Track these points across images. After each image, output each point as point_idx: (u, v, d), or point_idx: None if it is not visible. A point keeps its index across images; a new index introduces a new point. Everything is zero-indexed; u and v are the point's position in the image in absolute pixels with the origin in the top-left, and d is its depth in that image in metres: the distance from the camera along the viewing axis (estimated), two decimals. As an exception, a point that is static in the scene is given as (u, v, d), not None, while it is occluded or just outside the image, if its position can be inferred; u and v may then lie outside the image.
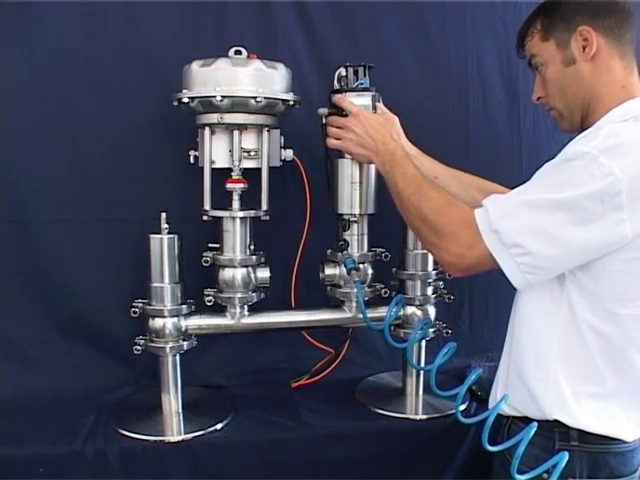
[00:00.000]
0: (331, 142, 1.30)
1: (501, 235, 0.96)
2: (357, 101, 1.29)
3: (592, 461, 1.02)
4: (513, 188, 1.02)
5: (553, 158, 0.99)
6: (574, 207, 0.91)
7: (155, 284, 1.36)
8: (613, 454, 1.02)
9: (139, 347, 1.37)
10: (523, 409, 1.07)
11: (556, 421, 1.02)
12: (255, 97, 1.27)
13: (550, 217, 0.93)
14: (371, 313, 1.37)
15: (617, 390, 1.01)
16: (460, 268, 1.05)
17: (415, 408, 1.51)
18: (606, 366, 1.00)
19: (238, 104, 1.28)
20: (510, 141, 1.75)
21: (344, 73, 1.35)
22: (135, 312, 1.37)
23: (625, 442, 1.03)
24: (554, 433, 1.03)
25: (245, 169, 1.39)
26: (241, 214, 1.38)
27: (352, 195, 1.41)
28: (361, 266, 1.43)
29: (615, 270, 0.96)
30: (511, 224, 0.96)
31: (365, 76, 1.33)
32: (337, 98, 1.29)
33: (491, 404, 1.15)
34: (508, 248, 0.96)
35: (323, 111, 1.33)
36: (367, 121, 1.23)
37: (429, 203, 1.08)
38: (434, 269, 1.49)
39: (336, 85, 1.36)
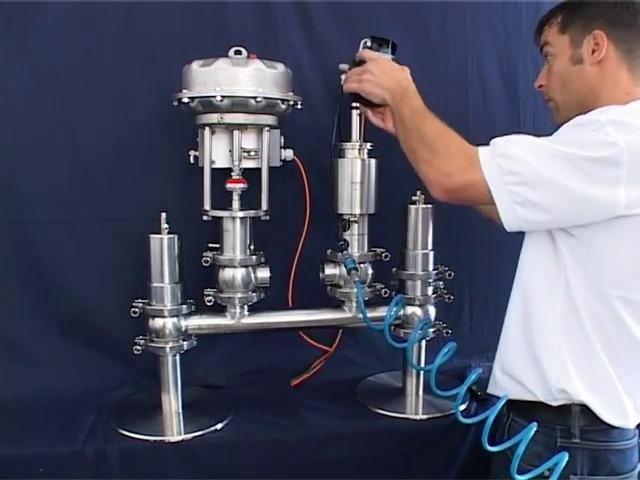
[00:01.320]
0: (349, 85, 1.29)
1: (503, 160, 0.98)
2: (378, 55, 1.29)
3: (593, 458, 1.03)
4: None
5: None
6: (575, 165, 0.94)
7: (155, 284, 1.36)
8: (613, 451, 1.04)
9: (139, 347, 1.37)
10: (527, 381, 1.07)
11: (560, 409, 1.04)
12: (255, 97, 1.27)
13: (552, 162, 0.96)
14: (371, 313, 1.37)
15: (611, 370, 1.02)
16: (445, 188, 1.05)
17: (415, 408, 1.51)
18: (600, 345, 1.02)
19: (238, 104, 1.28)
20: (510, 141, 1.75)
21: (369, 44, 1.33)
22: (135, 312, 1.37)
23: (624, 435, 1.04)
24: (556, 430, 1.05)
25: (245, 169, 1.39)
26: (241, 214, 1.38)
27: (352, 195, 1.42)
28: (361, 266, 1.43)
29: (615, 250, 0.98)
30: (516, 153, 0.98)
31: (388, 48, 1.33)
32: (359, 52, 1.30)
33: (491, 384, 1.16)
34: (504, 174, 0.98)
35: (344, 66, 1.33)
36: (385, 63, 1.26)
37: (431, 125, 1.11)
38: (434, 269, 1.50)
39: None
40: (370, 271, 1.49)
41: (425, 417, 1.45)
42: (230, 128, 1.35)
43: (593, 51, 1.06)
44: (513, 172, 0.97)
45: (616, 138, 0.92)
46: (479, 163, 1.00)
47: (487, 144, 1.04)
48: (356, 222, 1.44)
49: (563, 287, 1.03)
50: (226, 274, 1.40)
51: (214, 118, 1.32)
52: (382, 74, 1.24)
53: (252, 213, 1.40)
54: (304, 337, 1.59)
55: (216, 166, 1.38)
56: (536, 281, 1.07)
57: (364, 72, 1.26)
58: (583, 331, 1.02)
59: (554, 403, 1.05)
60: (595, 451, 1.03)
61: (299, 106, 1.38)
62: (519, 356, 1.09)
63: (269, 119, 1.35)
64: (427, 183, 1.08)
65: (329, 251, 1.49)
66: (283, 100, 1.32)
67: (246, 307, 1.44)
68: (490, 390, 1.16)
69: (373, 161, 1.44)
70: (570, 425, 1.04)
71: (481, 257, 1.74)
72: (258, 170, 1.39)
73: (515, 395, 1.10)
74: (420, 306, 1.50)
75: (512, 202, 0.98)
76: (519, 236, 1.10)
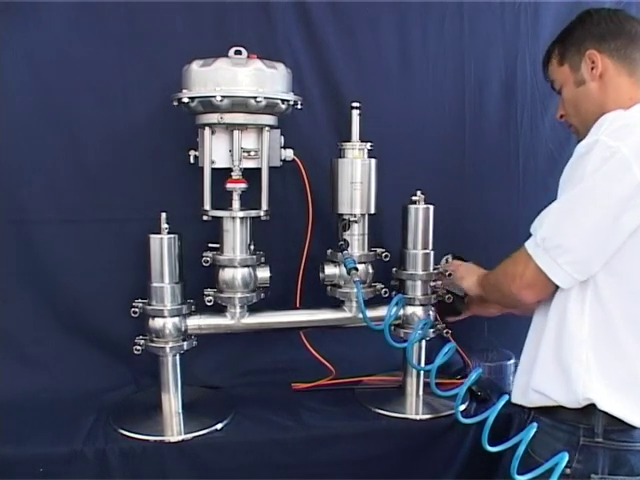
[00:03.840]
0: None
1: (544, 243, 1.03)
2: None
3: (614, 458, 1.04)
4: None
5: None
6: (594, 192, 0.98)
7: (155, 284, 1.36)
8: (634, 452, 1.04)
9: (139, 347, 1.38)
10: (555, 394, 1.08)
11: (584, 409, 1.04)
12: (255, 97, 1.27)
13: (576, 208, 1.00)
14: (371, 313, 1.37)
15: None
16: (522, 287, 1.09)
17: (415, 408, 1.50)
18: (636, 348, 1.03)
19: (238, 104, 1.28)
20: (507, 141, 1.74)
21: (450, 259, 1.51)
22: (135, 312, 1.37)
23: None
24: (579, 429, 1.06)
25: (245, 169, 1.39)
26: (241, 214, 1.38)
27: (352, 195, 1.42)
28: (361, 266, 1.43)
29: None
30: (548, 229, 1.03)
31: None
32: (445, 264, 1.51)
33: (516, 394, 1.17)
34: (549, 252, 1.02)
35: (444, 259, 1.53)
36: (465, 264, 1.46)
37: (495, 273, 1.23)
38: (434, 269, 1.49)
39: None
40: (370, 271, 1.49)
41: (425, 417, 1.44)
42: (230, 128, 1.36)
43: (592, 69, 1.12)
44: (554, 246, 1.02)
45: (617, 146, 0.95)
46: (531, 256, 1.05)
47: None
48: (356, 222, 1.44)
49: (592, 294, 1.04)
50: (226, 274, 1.40)
51: (214, 118, 1.32)
52: (466, 271, 1.41)
53: (252, 213, 1.40)
54: (308, 347, 1.55)
55: (216, 166, 1.38)
56: (568, 296, 1.07)
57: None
58: (614, 336, 1.03)
59: (579, 407, 1.05)
60: (616, 451, 1.04)
61: (299, 106, 1.38)
62: (548, 370, 1.09)
63: (269, 119, 1.35)
64: (513, 300, 1.14)
65: (329, 251, 1.49)
66: (283, 100, 1.32)
67: (246, 307, 1.44)
68: (515, 400, 1.17)
69: (373, 161, 1.44)
70: (594, 424, 1.05)
71: (481, 257, 1.73)
72: (258, 170, 1.39)
73: (539, 404, 1.11)
74: (420, 306, 1.50)
75: (566, 272, 1.02)
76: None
